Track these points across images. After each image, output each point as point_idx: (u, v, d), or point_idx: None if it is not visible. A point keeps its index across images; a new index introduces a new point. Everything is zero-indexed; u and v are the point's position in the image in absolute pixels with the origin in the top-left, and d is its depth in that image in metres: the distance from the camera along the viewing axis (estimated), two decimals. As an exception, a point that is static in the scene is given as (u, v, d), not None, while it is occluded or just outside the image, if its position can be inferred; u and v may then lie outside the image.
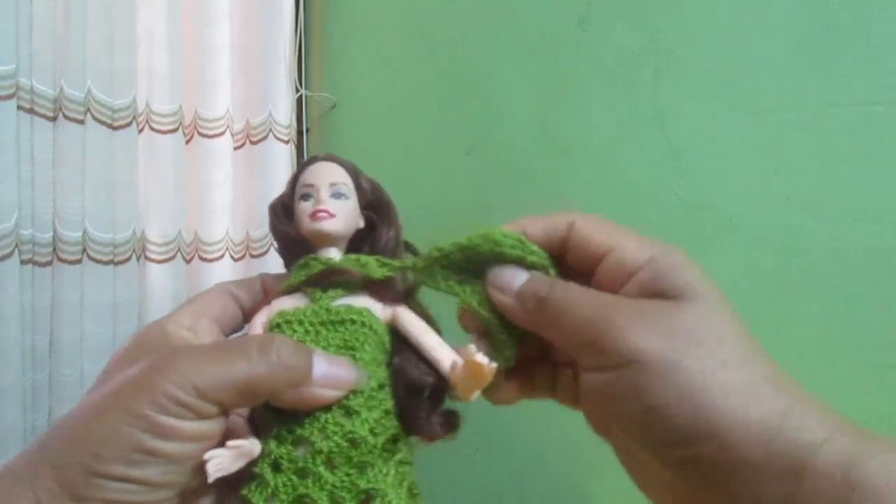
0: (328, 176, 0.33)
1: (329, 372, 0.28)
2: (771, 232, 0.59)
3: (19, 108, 0.79)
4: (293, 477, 0.27)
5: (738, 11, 0.62)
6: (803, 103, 0.58)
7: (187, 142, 1.01)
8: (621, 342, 0.25)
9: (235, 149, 1.06)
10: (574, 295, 0.27)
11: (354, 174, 0.34)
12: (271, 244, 1.08)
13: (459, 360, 0.29)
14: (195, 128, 1.02)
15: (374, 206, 0.35)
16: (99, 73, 0.87)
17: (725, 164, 0.62)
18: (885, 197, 0.54)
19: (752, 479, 0.22)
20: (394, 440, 0.29)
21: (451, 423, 0.31)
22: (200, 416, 0.25)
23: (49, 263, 0.85)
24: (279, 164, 1.07)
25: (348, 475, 0.27)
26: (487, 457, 0.81)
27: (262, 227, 1.08)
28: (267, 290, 0.35)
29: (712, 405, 0.23)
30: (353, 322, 0.30)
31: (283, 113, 1.07)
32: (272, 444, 0.28)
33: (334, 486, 0.27)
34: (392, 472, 0.28)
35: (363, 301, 0.32)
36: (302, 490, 0.27)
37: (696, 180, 0.64)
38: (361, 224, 0.34)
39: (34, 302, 0.83)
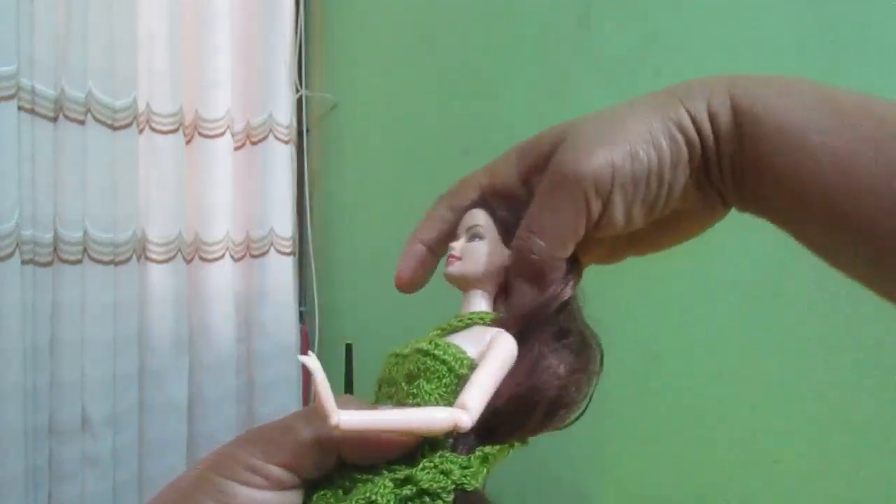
0: (468, 221, 0.32)
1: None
2: (771, 231, 0.59)
3: (20, 108, 0.79)
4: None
5: (738, 12, 0.62)
6: (803, 103, 0.58)
7: (188, 142, 1.01)
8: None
9: (236, 149, 1.06)
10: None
11: (493, 210, 0.32)
12: (272, 244, 1.08)
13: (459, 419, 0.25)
14: (195, 128, 1.02)
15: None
16: (99, 73, 0.87)
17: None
18: (885, 197, 0.54)
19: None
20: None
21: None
22: (277, 484, 0.25)
23: (50, 264, 0.85)
24: (279, 164, 1.08)
25: None
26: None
27: (262, 227, 1.08)
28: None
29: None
30: (425, 353, 0.28)
31: (284, 113, 1.08)
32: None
33: None
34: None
35: (471, 336, 0.29)
36: None
37: (696, 180, 0.64)
38: (510, 261, 0.31)
39: (35, 302, 0.83)
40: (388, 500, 0.24)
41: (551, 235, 0.28)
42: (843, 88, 0.24)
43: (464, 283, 0.31)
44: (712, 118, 0.26)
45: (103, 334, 0.89)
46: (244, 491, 0.24)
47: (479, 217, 0.32)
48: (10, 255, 0.77)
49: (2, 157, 0.76)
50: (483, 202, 0.32)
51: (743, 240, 0.61)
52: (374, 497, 0.24)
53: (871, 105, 0.23)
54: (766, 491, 0.59)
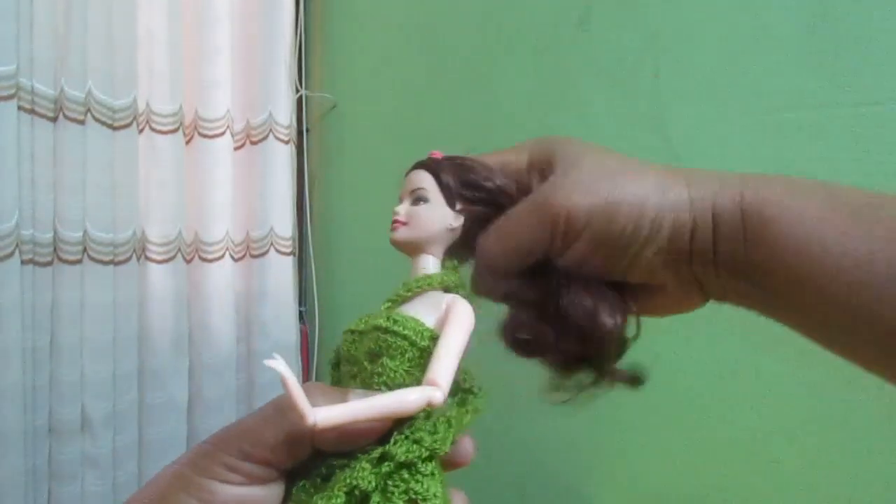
0: (413, 183, 0.31)
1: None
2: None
3: (20, 108, 0.79)
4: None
5: (738, 11, 0.62)
6: (803, 103, 0.58)
7: (187, 142, 1.01)
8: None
9: (235, 149, 1.06)
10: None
11: (437, 173, 0.31)
12: (271, 244, 1.08)
13: (432, 397, 0.25)
14: (195, 128, 1.02)
15: (470, 197, 0.31)
16: (99, 73, 0.87)
17: (725, 164, 0.62)
18: (885, 197, 0.54)
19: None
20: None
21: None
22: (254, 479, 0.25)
23: (49, 263, 0.85)
24: (279, 164, 1.08)
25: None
26: (487, 458, 0.81)
27: (261, 227, 1.08)
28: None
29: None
30: (384, 330, 0.28)
31: (284, 113, 1.07)
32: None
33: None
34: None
35: (426, 303, 0.29)
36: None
37: (696, 180, 0.64)
38: (455, 224, 0.31)
39: (35, 302, 0.83)
40: (370, 482, 0.24)
41: (503, 243, 0.29)
42: (852, 188, 0.25)
43: (411, 248, 0.31)
44: (715, 214, 0.26)
45: (103, 334, 0.89)
46: (224, 489, 0.24)
47: (424, 179, 0.31)
48: (10, 254, 0.77)
49: (2, 157, 0.76)
50: (428, 163, 0.32)
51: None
52: (355, 482, 0.24)
53: (882, 201, 0.24)
54: (766, 491, 0.59)
